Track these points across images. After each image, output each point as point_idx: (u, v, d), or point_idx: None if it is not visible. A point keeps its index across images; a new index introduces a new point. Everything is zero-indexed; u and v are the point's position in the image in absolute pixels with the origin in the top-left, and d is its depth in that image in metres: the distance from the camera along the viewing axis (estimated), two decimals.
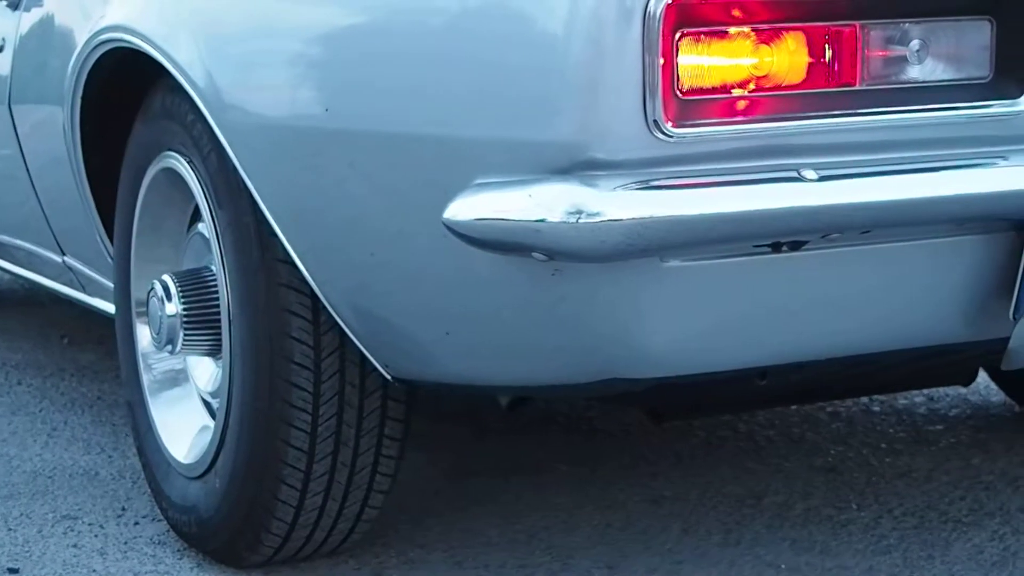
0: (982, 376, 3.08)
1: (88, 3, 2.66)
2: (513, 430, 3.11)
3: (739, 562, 2.43)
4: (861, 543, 2.51)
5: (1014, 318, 1.99)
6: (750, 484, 2.81)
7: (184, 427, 2.52)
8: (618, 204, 1.71)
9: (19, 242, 3.37)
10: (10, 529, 2.63)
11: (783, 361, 1.99)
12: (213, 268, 2.33)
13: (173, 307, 2.40)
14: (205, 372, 2.51)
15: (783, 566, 2.41)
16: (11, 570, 2.44)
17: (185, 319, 2.39)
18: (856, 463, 2.96)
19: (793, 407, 3.25)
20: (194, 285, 2.40)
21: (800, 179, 1.78)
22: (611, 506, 2.69)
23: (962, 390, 3.37)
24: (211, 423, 2.43)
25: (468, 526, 2.60)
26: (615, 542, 2.51)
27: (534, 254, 1.76)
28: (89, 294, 3.06)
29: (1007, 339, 2.02)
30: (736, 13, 1.77)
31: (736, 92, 1.78)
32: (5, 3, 3.14)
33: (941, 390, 3.39)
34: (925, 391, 3.39)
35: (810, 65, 1.82)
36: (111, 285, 2.74)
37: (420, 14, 1.96)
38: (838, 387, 2.52)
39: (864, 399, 3.34)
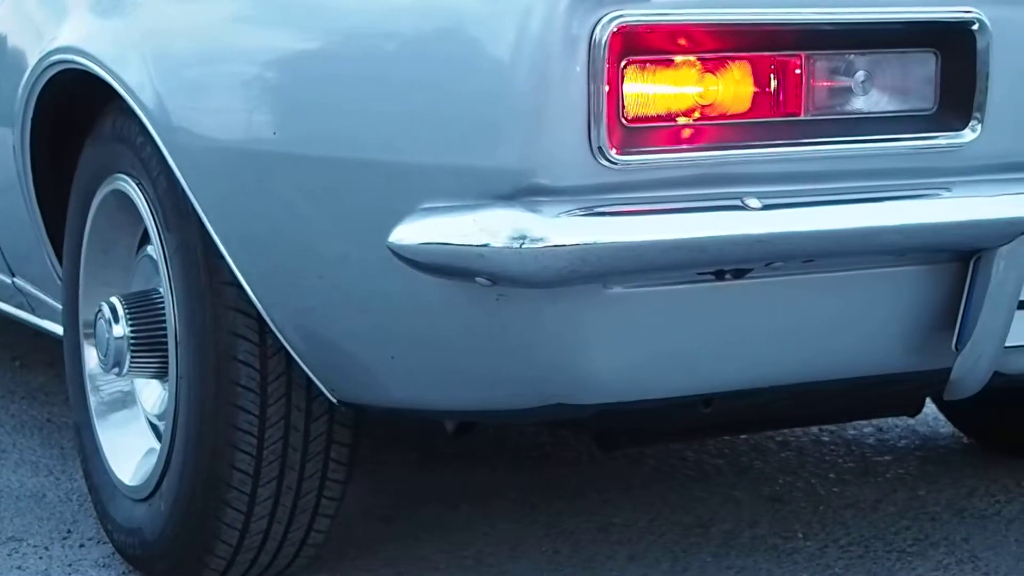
0: (931, 408, 3.11)
1: (40, 24, 2.66)
2: (462, 457, 3.11)
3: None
4: (806, 572, 2.52)
5: (957, 349, 2.01)
6: (698, 512, 2.82)
7: (130, 449, 2.51)
8: (561, 230, 1.72)
9: None
10: None
11: (727, 389, 1.99)
12: (161, 290, 2.33)
13: (120, 329, 2.40)
14: (152, 394, 2.51)
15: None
16: None
17: (132, 341, 2.38)
18: (803, 492, 2.97)
19: (742, 436, 3.26)
20: (142, 307, 2.39)
21: (744, 207, 1.79)
22: (559, 533, 2.69)
23: (911, 421, 3.39)
24: (157, 445, 2.43)
25: (416, 552, 2.59)
26: (562, 569, 2.52)
27: (478, 279, 1.77)
28: (39, 316, 3.05)
29: (950, 369, 2.03)
30: (682, 42, 1.77)
31: (681, 120, 1.79)
32: None
33: (890, 421, 3.40)
34: (874, 422, 3.41)
35: (755, 95, 1.82)
36: (60, 307, 2.73)
37: (372, 39, 1.96)
38: (784, 416, 2.53)
39: (814, 429, 3.35)
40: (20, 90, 2.61)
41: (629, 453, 3.12)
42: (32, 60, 2.59)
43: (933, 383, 2.09)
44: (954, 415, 3.29)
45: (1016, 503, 2.90)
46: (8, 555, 2.60)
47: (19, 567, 2.54)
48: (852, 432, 3.39)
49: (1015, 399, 2.99)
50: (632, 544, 2.63)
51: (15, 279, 3.07)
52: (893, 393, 2.29)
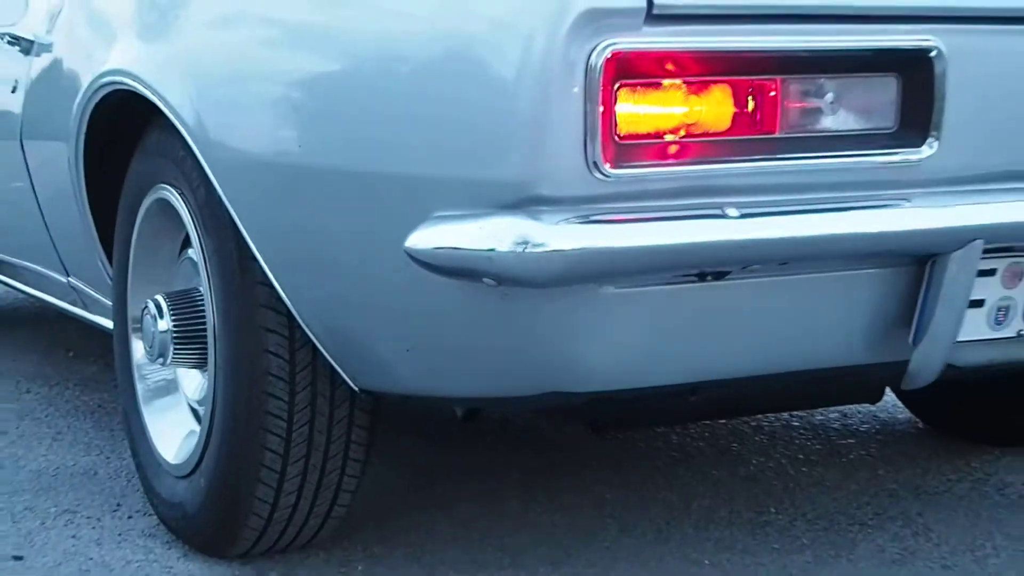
0: (891, 396, 3.11)
1: (92, 49, 2.66)
2: (471, 441, 3.11)
3: (668, 559, 2.43)
4: (777, 543, 2.52)
5: (913, 343, 2.01)
6: (681, 490, 2.82)
7: (173, 431, 2.51)
8: (560, 236, 1.71)
9: (29, 264, 3.36)
10: (15, 521, 2.62)
11: (709, 379, 2.00)
12: (201, 289, 2.33)
13: (165, 324, 2.40)
14: (193, 382, 2.51)
15: (707, 562, 2.41)
16: (16, 557, 2.43)
17: (175, 335, 2.39)
18: (775, 472, 2.97)
19: (721, 421, 3.26)
20: (184, 304, 2.40)
21: (724, 216, 1.79)
22: (557, 509, 2.69)
23: (872, 408, 3.40)
24: (197, 428, 2.43)
25: (427, 526, 2.59)
26: (559, 541, 2.51)
27: (485, 280, 1.76)
28: (91, 312, 3.05)
29: (907, 362, 2.03)
30: (669, 67, 1.77)
31: (668, 137, 1.78)
32: (18, 48, 3.13)
33: (853, 408, 3.41)
34: (839, 409, 3.41)
35: (735, 114, 1.82)
36: (110, 303, 2.73)
37: (388, 61, 1.95)
38: (759, 403, 2.53)
39: (784, 415, 3.35)
40: (74, 109, 2.62)
41: (619, 436, 3.13)
42: (85, 82, 2.60)
43: (892, 374, 2.08)
44: (911, 403, 3.30)
45: (965, 482, 2.90)
46: (64, 525, 2.60)
47: (74, 536, 2.54)
48: (819, 418, 3.39)
49: (966, 388, 3.00)
50: (622, 518, 2.63)
51: (70, 279, 3.07)
52: (856, 383, 2.29)
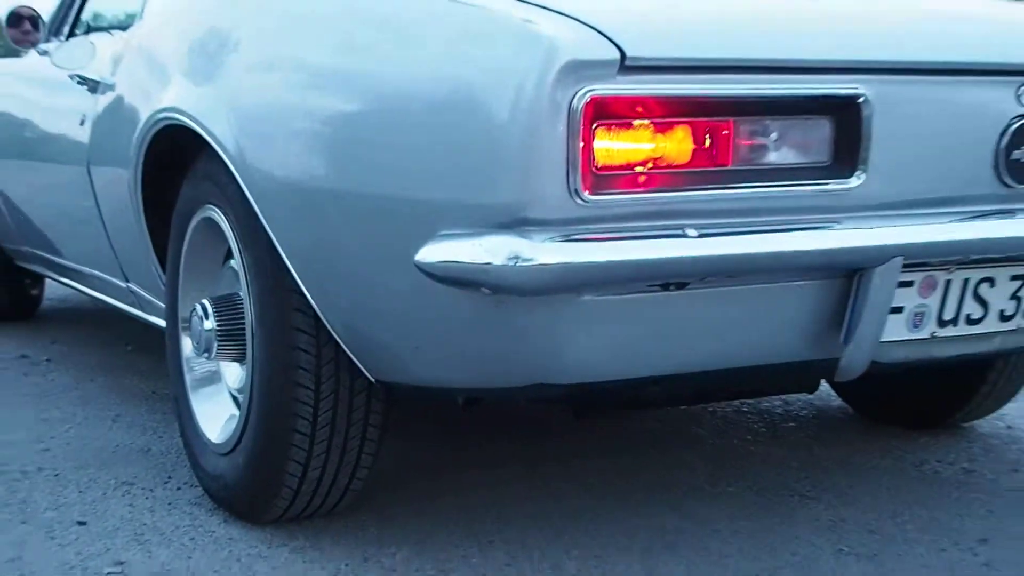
0: (825, 386, 3.12)
1: (149, 89, 2.66)
2: (474, 431, 3.12)
3: (640, 526, 2.43)
4: (728, 510, 2.52)
5: (844, 343, 2.02)
6: (653, 469, 2.82)
7: (216, 415, 2.51)
8: (546, 252, 1.72)
9: (94, 271, 3.36)
10: (80, 491, 2.62)
11: (671, 372, 2.00)
12: (241, 294, 2.33)
13: (210, 323, 2.40)
14: (233, 373, 2.50)
15: (668, 527, 2.42)
16: (80, 523, 2.43)
17: (219, 333, 2.39)
18: (729, 451, 2.97)
19: (683, 408, 3.27)
20: (226, 307, 2.39)
21: (684, 236, 1.80)
22: (548, 491, 2.67)
23: (809, 396, 3.39)
24: (236, 413, 2.42)
25: (433, 497, 2.59)
26: (549, 517, 2.49)
27: (482, 289, 1.77)
28: (146, 312, 3.05)
29: (839, 359, 2.04)
30: (639, 110, 1.78)
31: (638, 169, 1.79)
32: (86, 87, 3.13)
33: (794, 396, 3.41)
34: (781, 397, 3.41)
35: (694, 150, 1.83)
36: (163, 305, 2.73)
37: (401, 101, 1.96)
38: (714, 392, 2.54)
39: (736, 402, 3.36)
40: (134, 140, 2.62)
41: (601, 423, 3.12)
42: (143, 116, 2.60)
43: (826, 368, 2.09)
44: (842, 392, 3.31)
45: (888, 458, 2.91)
46: (122, 495, 2.59)
47: (130, 505, 2.53)
48: (765, 404, 3.39)
49: (889, 380, 3.02)
50: (604, 498, 2.62)
51: (129, 284, 3.07)
52: (796, 376, 2.29)
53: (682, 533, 2.39)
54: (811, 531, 2.41)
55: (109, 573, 2.18)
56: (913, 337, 2.10)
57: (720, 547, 2.32)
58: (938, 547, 2.34)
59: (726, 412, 3.32)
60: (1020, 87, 2.06)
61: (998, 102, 2.06)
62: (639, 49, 1.76)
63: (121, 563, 2.23)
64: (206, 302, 2.43)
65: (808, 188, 1.91)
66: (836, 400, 3.38)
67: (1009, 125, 2.05)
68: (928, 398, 3.13)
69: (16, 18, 3.90)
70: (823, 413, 3.34)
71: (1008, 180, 2.07)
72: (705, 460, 2.86)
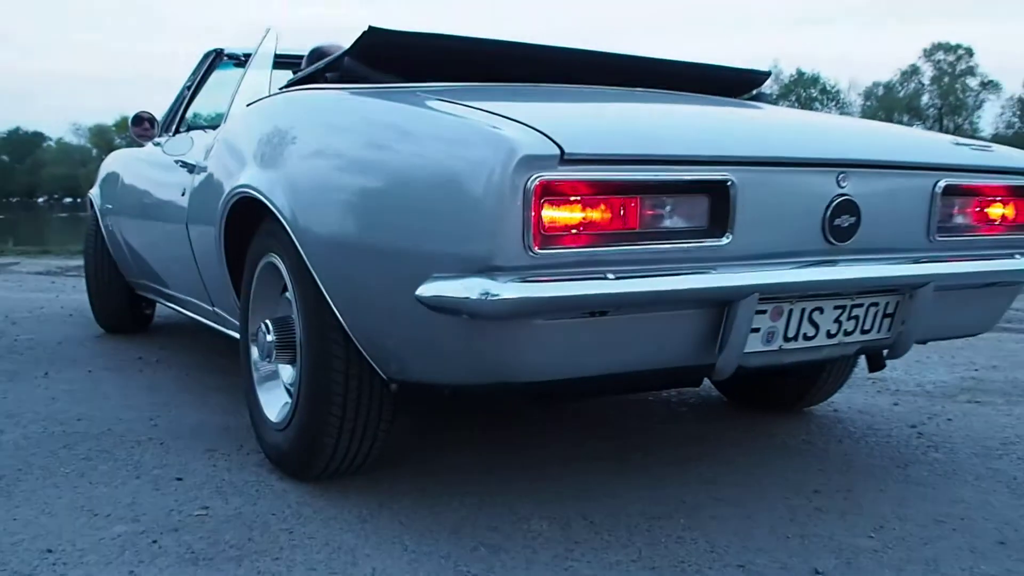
0: (707, 382, 3.14)
1: (230, 170, 2.65)
2: (457, 416, 3.11)
3: (577, 495, 2.43)
4: (641, 479, 2.53)
5: (718, 353, 2.03)
6: (586, 450, 2.82)
7: (275, 402, 2.50)
8: (508, 290, 1.73)
9: (190, 298, 3.35)
10: (179, 455, 2.62)
11: (598, 373, 1.99)
12: (293, 317, 2.33)
13: (271, 337, 2.40)
14: (287, 372, 2.49)
15: (589, 484, 2.42)
16: (178, 478, 2.42)
17: (277, 344, 2.39)
18: (637, 430, 2.98)
19: (609, 397, 3.27)
20: (282, 326, 2.39)
21: (606, 278, 1.81)
22: (516, 458, 2.68)
23: (696, 389, 3.42)
24: (289, 400, 2.42)
25: (430, 461, 2.59)
26: (515, 474, 2.51)
27: (463, 315, 1.78)
28: (226, 328, 3.04)
29: (715, 364, 2.05)
30: (574, 189, 1.78)
31: (573, 231, 1.80)
32: (186, 169, 3.14)
33: (686, 389, 3.43)
34: (678, 389, 3.43)
35: (612, 217, 1.83)
36: (237, 323, 2.73)
37: (407, 182, 1.95)
38: (629, 386, 2.54)
39: (644, 394, 3.37)
40: (219, 206, 2.62)
41: (548, 407, 3.12)
42: (226, 190, 2.61)
43: (707, 370, 2.09)
44: (719, 386, 3.32)
45: (751, 433, 2.92)
46: (208, 459, 2.59)
47: (214, 465, 2.53)
48: (665, 395, 3.41)
49: (750, 379, 3.04)
50: (543, 467, 2.63)
51: (214, 307, 3.07)
52: (686, 375, 2.27)
53: (599, 486, 2.40)
54: (698, 485, 2.42)
55: (198, 515, 2.18)
56: (767, 349, 2.10)
57: (629, 495, 2.33)
58: (783, 496, 2.36)
59: (638, 399, 3.32)
60: (838, 174, 2.08)
61: (824, 185, 2.07)
62: (574, 147, 1.77)
63: (207, 507, 2.23)
64: (268, 322, 2.44)
65: (692, 245, 1.92)
66: (715, 391, 3.40)
67: (832, 201, 2.07)
68: (779, 390, 3.15)
69: (138, 119, 3.95)
70: (705, 401, 3.35)
71: (831, 239, 2.08)
72: (615, 441, 2.85)
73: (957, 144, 2.43)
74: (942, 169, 2.27)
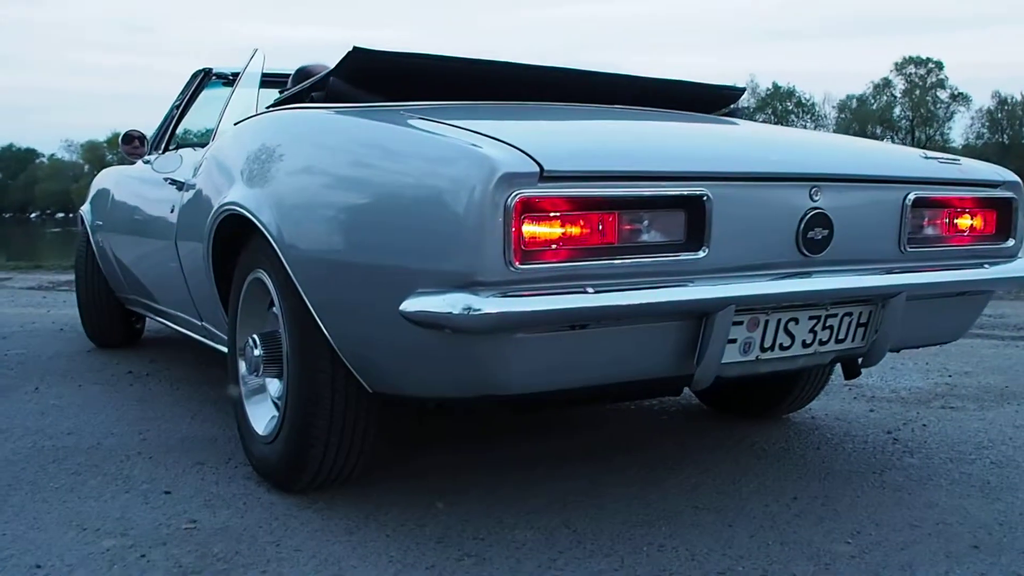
0: (688, 391, 3.13)
1: (218, 187, 2.64)
2: (434, 431, 3.10)
3: (560, 504, 2.42)
4: (618, 478, 2.52)
5: (697, 364, 2.03)
6: (569, 460, 2.81)
7: (263, 415, 2.48)
8: (489, 305, 1.72)
9: (179, 313, 3.33)
10: (168, 469, 2.59)
11: (579, 385, 1.99)
12: (280, 331, 2.31)
13: (258, 351, 2.38)
14: (274, 386, 2.47)
15: (574, 489, 2.41)
16: (167, 492, 2.40)
17: (264, 358, 2.37)
18: (619, 439, 2.97)
19: (592, 406, 3.27)
20: (269, 340, 2.38)
21: (585, 292, 1.80)
22: (490, 467, 2.68)
23: (677, 398, 3.42)
24: (276, 414, 2.40)
25: (412, 476, 2.58)
26: (491, 485, 2.50)
27: (446, 329, 1.77)
28: (215, 342, 3.02)
29: (694, 374, 2.05)
30: (553, 206, 1.79)
31: (553, 247, 1.80)
32: (175, 186, 3.13)
33: (667, 398, 3.43)
34: (658, 398, 3.43)
35: (591, 232, 1.83)
36: (226, 337, 2.71)
37: (391, 199, 1.95)
38: (609, 396, 2.53)
39: (626, 403, 3.37)
40: (207, 223, 2.61)
41: (530, 415, 3.11)
42: (215, 205, 2.59)
43: (686, 380, 2.09)
44: (700, 394, 3.31)
45: (730, 440, 2.92)
46: (197, 472, 2.57)
47: (202, 478, 2.51)
48: (647, 404, 3.40)
49: (729, 387, 3.04)
50: (529, 471, 2.62)
51: (203, 322, 3.05)
52: (665, 385, 2.28)
53: (582, 495, 2.39)
54: (679, 493, 2.41)
55: (187, 528, 2.16)
56: (744, 359, 2.10)
57: (612, 504, 2.32)
58: (763, 502, 2.35)
59: (620, 408, 3.32)
60: (811, 188, 2.09)
61: (797, 199, 2.07)
62: (553, 165, 1.77)
63: (195, 520, 2.21)
64: (256, 336, 2.42)
65: (670, 258, 1.91)
66: (696, 400, 3.40)
67: (805, 214, 2.07)
68: (758, 398, 3.15)
69: (128, 138, 3.97)
70: (687, 409, 3.35)
71: (805, 252, 2.09)
72: (603, 444, 2.86)
73: (926, 157, 2.44)
74: (912, 182, 2.28)
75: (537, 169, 1.75)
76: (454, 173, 1.80)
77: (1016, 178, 2.50)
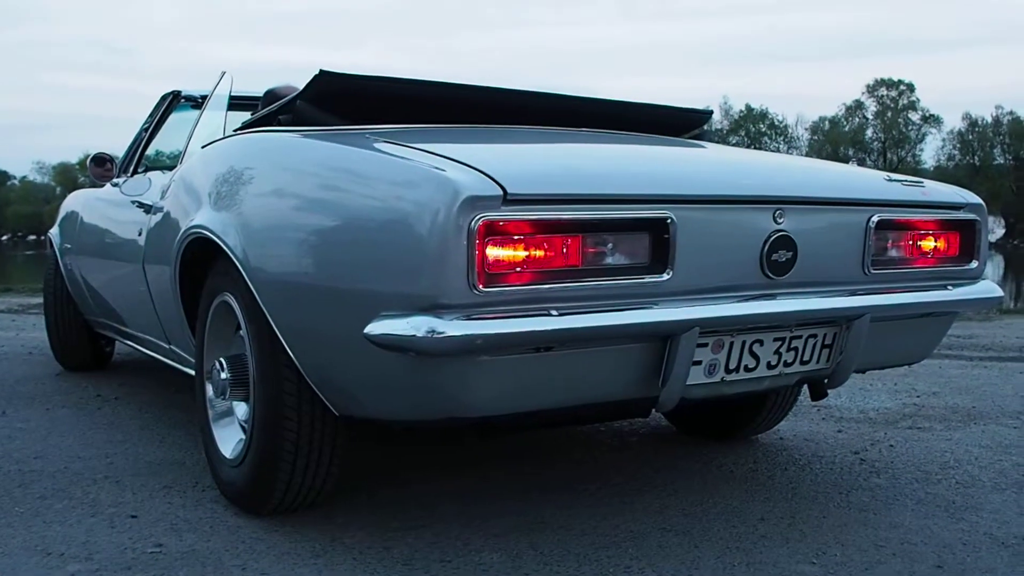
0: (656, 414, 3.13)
1: (186, 210, 2.64)
2: (406, 453, 3.09)
3: (527, 526, 2.41)
4: (587, 501, 2.52)
5: (662, 386, 2.03)
6: (537, 482, 2.81)
7: (230, 438, 2.47)
8: (453, 328, 1.73)
9: (147, 336, 3.31)
10: (134, 493, 2.57)
11: (543, 407, 1.99)
12: (246, 355, 2.30)
13: (225, 375, 2.37)
14: (241, 409, 2.46)
15: (543, 515, 2.41)
16: (132, 516, 2.38)
17: (231, 381, 2.36)
18: (587, 461, 2.96)
19: (558, 429, 3.25)
20: (236, 363, 2.36)
21: (549, 315, 1.81)
22: (455, 487, 2.67)
23: (645, 420, 3.42)
24: (243, 437, 2.39)
25: (380, 497, 2.56)
26: (459, 507, 2.50)
27: (410, 352, 1.77)
28: (182, 365, 3.01)
29: (659, 396, 2.06)
30: (516, 229, 1.79)
31: (517, 269, 1.80)
32: (143, 209, 3.11)
33: (635, 420, 3.42)
34: (626, 420, 3.43)
35: (555, 255, 1.84)
36: (193, 360, 2.69)
37: (357, 222, 1.95)
38: (577, 419, 2.52)
39: (595, 425, 3.37)
40: (175, 245, 2.60)
41: (494, 439, 3.09)
42: (182, 228, 2.58)
43: (652, 402, 2.09)
44: (668, 415, 3.32)
45: (698, 462, 2.93)
46: (164, 495, 2.55)
47: (169, 502, 2.49)
48: (616, 425, 3.40)
49: (697, 409, 3.05)
50: (499, 492, 2.61)
51: (170, 345, 3.03)
52: (631, 407, 2.25)
53: (549, 517, 2.38)
54: (645, 514, 2.41)
55: (152, 552, 2.14)
56: (709, 381, 2.11)
57: (579, 526, 2.32)
58: (730, 525, 2.36)
59: (589, 431, 3.31)
60: (775, 211, 2.10)
61: (761, 221, 2.09)
62: (516, 188, 1.78)
63: (160, 545, 2.19)
64: (223, 359, 2.41)
65: (634, 281, 1.92)
66: (665, 421, 3.40)
67: (769, 237, 2.09)
68: (725, 419, 3.17)
69: (99, 160, 3.95)
70: (656, 431, 3.35)
71: (769, 274, 2.10)
72: (577, 464, 2.86)
73: (890, 180, 2.47)
74: (875, 204, 2.30)
75: (500, 192, 1.76)
76: (418, 196, 1.81)
77: (979, 200, 2.53)
